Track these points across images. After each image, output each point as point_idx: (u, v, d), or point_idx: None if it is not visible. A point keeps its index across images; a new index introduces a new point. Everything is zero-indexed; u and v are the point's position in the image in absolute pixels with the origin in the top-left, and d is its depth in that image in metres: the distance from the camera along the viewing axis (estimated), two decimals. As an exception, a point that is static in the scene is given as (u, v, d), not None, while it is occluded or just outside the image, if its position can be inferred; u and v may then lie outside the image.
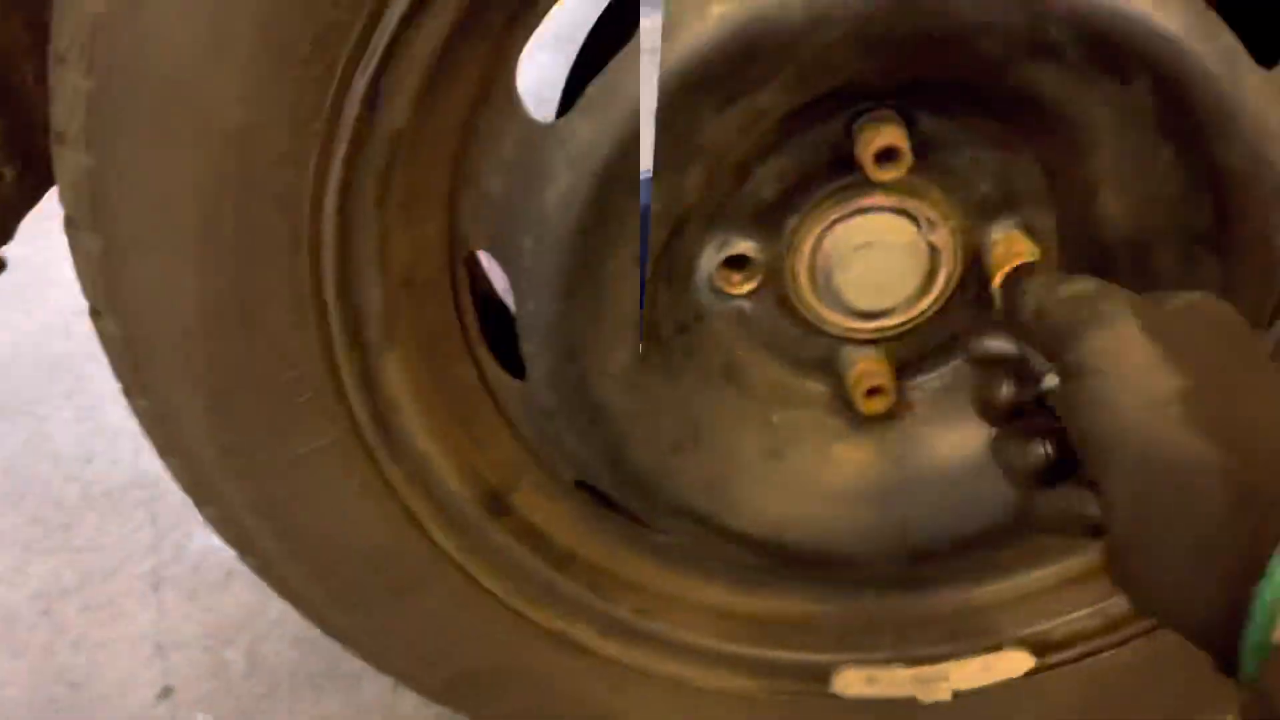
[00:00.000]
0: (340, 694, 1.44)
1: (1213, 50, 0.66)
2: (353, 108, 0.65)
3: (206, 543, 1.68)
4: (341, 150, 0.67)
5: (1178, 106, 0.68)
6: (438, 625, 0.92)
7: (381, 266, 0.76)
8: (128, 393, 0.79)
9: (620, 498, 0.91)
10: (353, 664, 1.47)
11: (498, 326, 0.89)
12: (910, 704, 0.99)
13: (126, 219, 0.69)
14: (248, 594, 1.62)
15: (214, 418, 0.77)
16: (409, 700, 1.42)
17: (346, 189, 0.69)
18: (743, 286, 0.85)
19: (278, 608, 1.58)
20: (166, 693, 1.48)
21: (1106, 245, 0.78)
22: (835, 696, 0.99)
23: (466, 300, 0.85)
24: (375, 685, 1.44)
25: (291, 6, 0.61)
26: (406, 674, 0.97)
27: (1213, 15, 0.66)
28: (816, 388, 0.91)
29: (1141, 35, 0.65)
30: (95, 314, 0.76)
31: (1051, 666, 0.98)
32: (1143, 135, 0.70)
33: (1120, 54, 0.66)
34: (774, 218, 0.82)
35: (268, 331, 0.74)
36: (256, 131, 0.65)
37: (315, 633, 1.51)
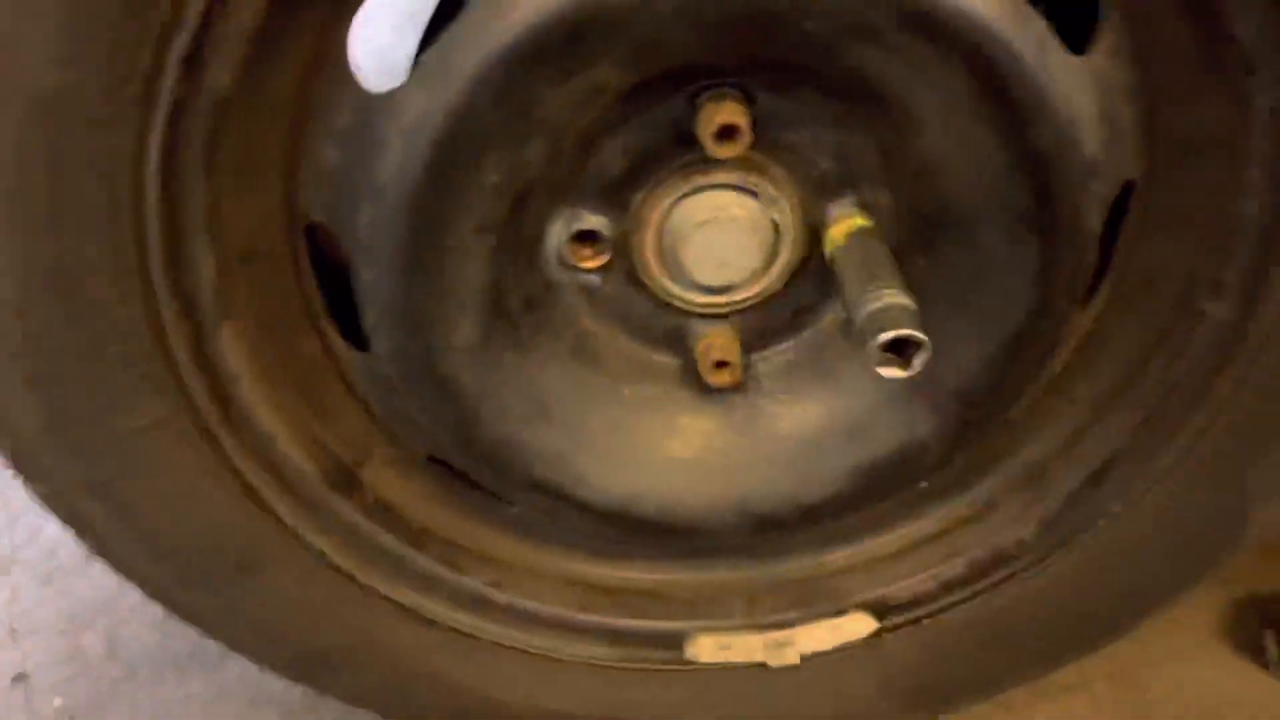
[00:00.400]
0: (203, 675, 1.41)
1: (1024, 36, 0.69)
2: (171, 71, 0.63)
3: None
4: (162, 115, 0.65)
5: (993, 90, 0.71)
6: (286, 603, 0.91)
7: (213, 237, 0.74)
8: (-57, 366, 0.76)
9: (472, 472, 0.91)
10: (217, 645, 1.46)
11: (344, 297, 0.88)
12: (761, 669, 1.02)
13: (-68, 185, 0.66)
14: (106, 578, 1.55)
15: (34, 392, 0.74)
16: (275, 680, 1.40)
17: (169, 155, 0.67)
18: (592, 261, 0.86)
19: (136, 592, 1.55)
20: (21, 678, 1.42)
21: (934, 222, 0.82)
22: (689, 663, 1.01)
23: (308, 271, 0.83)
24: (239, 665, 1.41)
25: (99, -36, 0.59)
26: (256, 652, 0.96)
27: (1023, 2, 0.68)
28: (666, 361, 0.92)
29: (955, 19, 0.67)
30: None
31: (893, 629, 1.02)
32: (963, 117, 0.73)
33: (937, 37, 0.68)
34: (621, 193, 0.83)
35: (91, 303, 0.71)
36: (69, 94, 0.63)
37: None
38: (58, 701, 1.40)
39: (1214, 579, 1.36)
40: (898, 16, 0.67)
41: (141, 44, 0.62)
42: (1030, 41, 0.69)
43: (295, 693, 1.38)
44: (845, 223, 0.83)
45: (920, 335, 0.74)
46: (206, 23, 0.63)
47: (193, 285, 0.75)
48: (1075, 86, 0.72)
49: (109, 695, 1.40)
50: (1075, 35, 0.73)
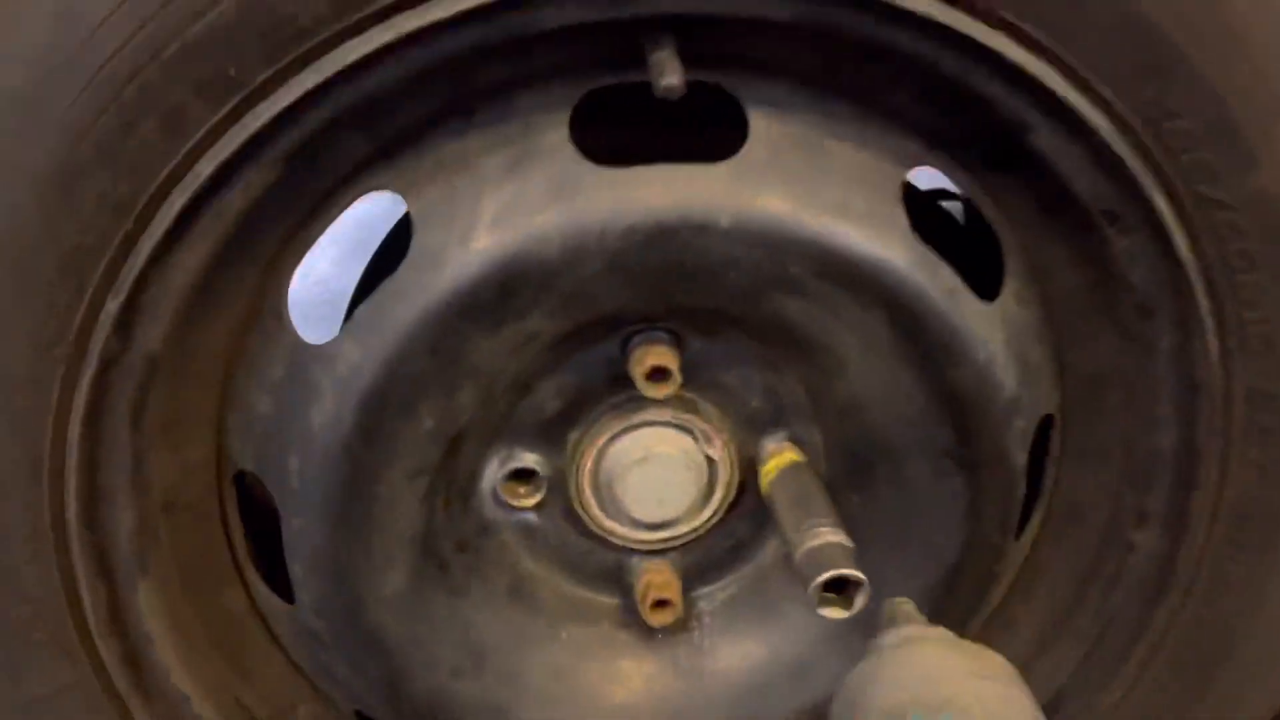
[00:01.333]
0: None
1: (935, 284, 0.73)
2: (102, 332, 0.64)
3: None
4: (89, 375, 0.65)
5: (910, 335, 0.74)
6: None
7: (136, 490, 0.73)
8: None
9: (401, 729, 0.87)
10: None
11: (271, 546, 0.85)
12: None
13: None
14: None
15: (-66, 659, 0.70)
16: None
17: (94, 413, 0.67)
18: (528, 500, 0.85)
19: None
20: None
21: (864, 458, 0.83)
22: None
23: (235, 521, 0.82)
24: None
25: (34, 231, 0.60)
26: None
27: (933, 255, 0.73)
28: (606, 601, 0.91)
29: (870, 271, 0.71)
30: None
31: None
32: (883, 359, 0.76)
33: (854, 287, 0.72)
34: (557, 432, 0.84)
35: (1, 567, 0.68)
36: (-5, 355, 0.63)
37: None
38: None
39: None
40: (816, 269, 0.71)
41: (75, 306, 0.63)
42: (941, 289, 0.73)
43: None
44: (778, 458, 0.84)
45: (858, 574, 0.73)
46: (141, 284, 0.64)
47: (110, 542, 0.73)
48: (987, 329, 0.75)
49: None
50: (985, 284, 0.77)
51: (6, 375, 0.63)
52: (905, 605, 0.71)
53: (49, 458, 0.66)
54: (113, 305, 0.64)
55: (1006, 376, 0.76)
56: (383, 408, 0.72)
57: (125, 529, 0.73)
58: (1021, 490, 0.81)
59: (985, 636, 0.93)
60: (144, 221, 0.62)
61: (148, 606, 0.76)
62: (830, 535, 0.74)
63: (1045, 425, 0.85)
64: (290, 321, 0.74)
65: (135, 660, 0.76)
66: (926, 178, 0.85)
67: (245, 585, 0.84)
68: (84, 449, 0.67)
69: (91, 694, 0.75)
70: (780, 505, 0.80)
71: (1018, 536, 0.87)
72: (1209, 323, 0.72)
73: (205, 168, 0.61)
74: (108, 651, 0.74)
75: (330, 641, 0.80)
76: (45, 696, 0.73)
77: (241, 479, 0.82)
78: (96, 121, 0.58)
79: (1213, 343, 0.73)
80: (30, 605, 0.70)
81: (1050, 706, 0.91)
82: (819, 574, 0.73)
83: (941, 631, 0.68)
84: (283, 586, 0.83)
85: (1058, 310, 0.81)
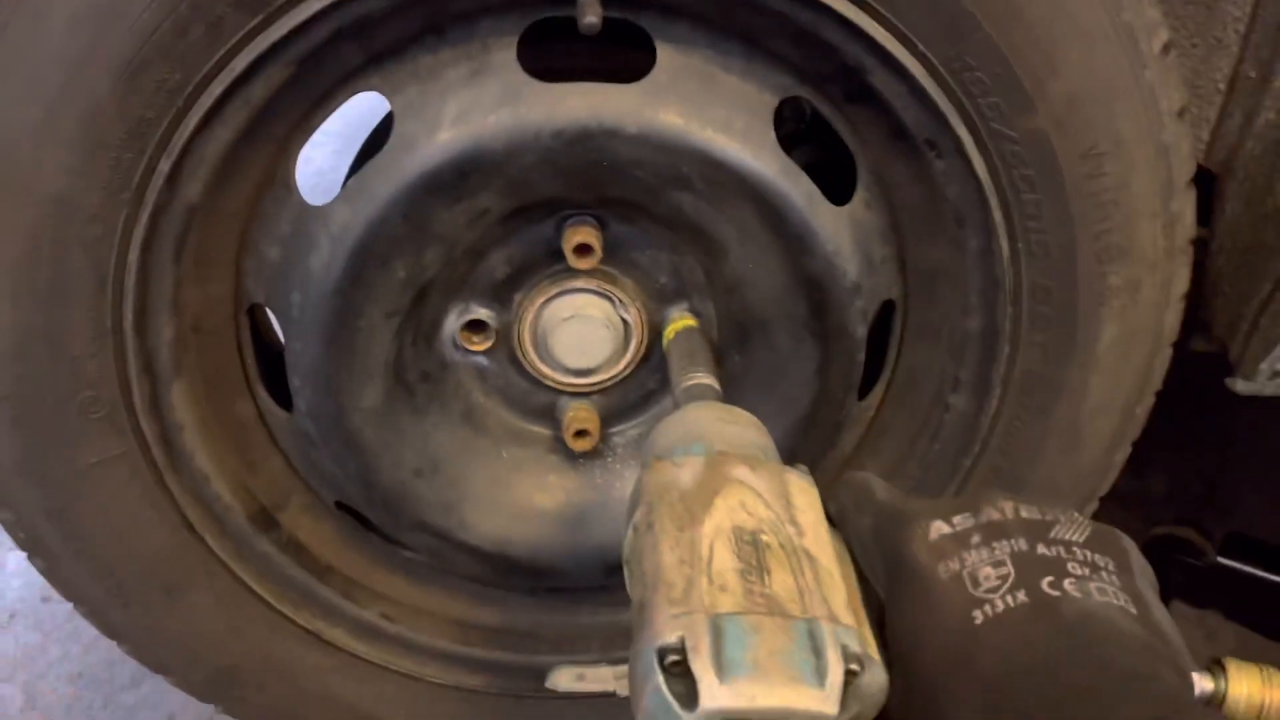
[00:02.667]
0: (114, 727, 1.54)
1: (796, 190, 0.93)
2: (156, 184, 0.85)
3: (-13, 586, 1.75)
4: (145, 215, 0.86)
5: (775, 228, 0.95)
6: (205, 622, 1.07)
7: (174, 311, 0.94)
8: (-62, 407, 0.93)
9: (371, 516, 1.10)
10: (129, 697, 1.58)
11: (273, 370, 1.08)
12: (612, 698, 1.19)
13: (-44, 259, 0.85)
14: (28, 635, 1.69)
15: (16, 429, 0.92)
16: (180, 733, 1.53)
17: (148, 245, 0.88)
18: (480, 345, 1.07)
19: (57, 649, 1.68)
20: (-57, 722, 1.53)
21: (745, 326, 1.05)
22: (550, 691, 1.19)
23: (248, 345, 1.04)
24: (150, 716, 1.55)
25: (110, 107, 0.80)
26: (174, 669, 1.10)
27: (795, 166, 0.93)
28: (538, 430, 1.13)
29: (745, 176, 0.92)
30: (-84, 337, 0.90)
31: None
32: (757, 247, 0.97)
33: (733, 188, 0.93)
34: (505, 292, 1.05)
35: (71, 357, 0.90)
36: (75, 195, 0.83)
37: (94, 670, 1.62)
38: (-23, 749, 1.51)
39: None
40: (703, 171, 0.92)
41: (137, 163, 0.83)
42: (801, 193, 0.94)
43: (196, 745, 1.51)
44: (678, 322, 1.05)
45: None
46: (186, 150, 0.84)
47: (154, 348, 0.94)
48: (837, 228, 0.96)
49: (28, 743, 1.52)
50: (838, 192, 0.98)
51: (85, 211, 0.84)
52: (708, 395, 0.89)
53: (112, 276, 0.88)
54: (165, 164, 0.84)
55: (850, 266, 0.98)
56: (366, 258, 0.93)
57: (165, 339, 0.95)
58: (861, 357, 1.03)
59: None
60: (191, 102, 0.82)
61: (179, 401, 0.98)
62: (702, 379, 0.94)
63: (888, 309, 1.07)
64: (297, 189, 0.95)
65: (169, 441, 0.98)
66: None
67: (253, 398, 1.07)
68: (140, 271, 0.88)
69: (135, 464, 0.97)
70: (673, 356, 1.01)
71: (861, 397, 1.09)
72: (1002, 230, 0.93)
73: (238, 64, 0.81)
74: (149, 431, 0.96)
75: (319, 441, 1.03)
76: (100, 463, 0.96)
77: (251, 313, 1.04)
78: (159, 26, 0.78)
79: (1005, 246, 0.94)
80: (92, 390, 0.92)
81: (882, 532, 1.15)
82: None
83: (716, 401, 0.86)
84: (282, 399, 1.06)
85: (904, 218, 1.02)
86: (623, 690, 1.21)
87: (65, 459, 0.95)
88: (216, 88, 0.82)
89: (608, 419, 1.13)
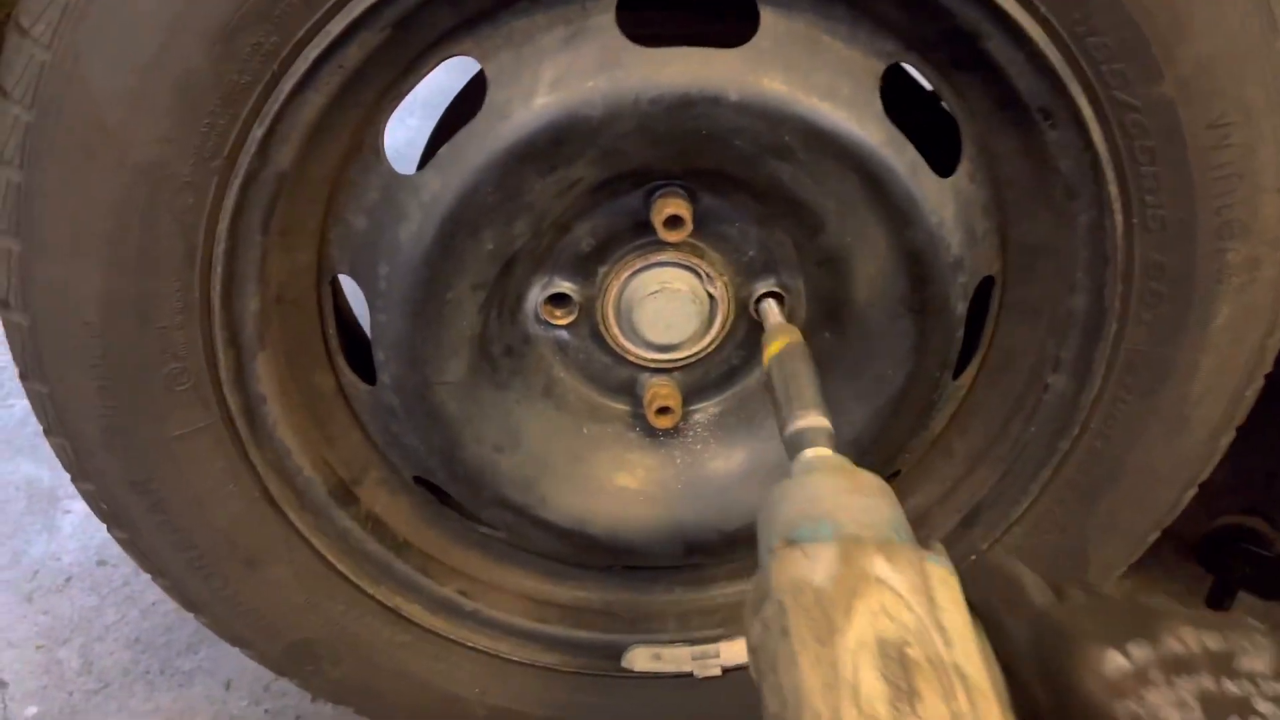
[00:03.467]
0: (172, 691, 1.54)
1: (901, 160, 0.90)
2: (249, 151, 0.82)
3: (46, 550, 1.76)
4: (236, 183, 0.84)
5: (878, 199, 0.92)
6: (284, 596, 1.06)
7: (260, 282, 0.92)
8: (25, 376, 0.92)
9: (451, 491, 1.09)
10: (186, 662, 1.58)
11: (352, 343, 1.06)
12: (688, 678, 1.18)
13: (45, 226, 0.84)
14: (85, 598, 1.70)
15: (102, 400, 0.91)
16: (240, 697, 1.52)
17: (237, 215, 0.86)
18: (563, 320, 1.05)
19: (114, 612, 1.68)
20: (0, 685, 1.54)
21: (837, 302, 1.02)
22: (626, 671, 1.17)
23: (330, 316, 1.02)
24: (207, 683, 1.55)
25: (205, 71, 0.78)
26: (251, 642, 1.10)
27: (900, 135, 0.90)
28: (620, 406, 1.11)
29: (849, 145, 0.88)
30: (4, 305, 0.89)
31: (801, 647, 1.19)
32: (856, 219, 0.94)
33: (835, 158, 0.89)
34: (589, 266, 1.03)
35: (158, 328, 0.89)
36: (166, 164, 0.81)
37: (151, 635, 1.62)
38: (32, 710, 1.52)
39: None
40: (805, 140, 0.88)
41: (230, 129, 0.81)
42: (905, 163, 0.90)
43: (258, 711, 1.51)
44: (779, 341, 0.93)
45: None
46: (280, 116, 0.82)
47: (239, 320, 0.93)
48: (941, 200, 0.93)
49: (81, 706, 1.52)
50: (943, 163, 0.94)
51: (177, 179, 0.82)
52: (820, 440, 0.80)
53: (202, 246, 0.86)
54: (258, 131, 0.82)
55: (953, 240, 0.94)
56: (456, 229, 0.90)
57: (250, 311, 0.93)
58: (959, 334, 1.00)
59: (928, 461, 1.14)
60: (285, 66, 0.80)
61: (264, 373, 0.96)
62: (814, 419, 0.82)
63: (987, 285, 1.04)
64: (386, 156, 0.93)
65: (252, 413, 0.97)
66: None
67: (334, 370, 1.05)
68: (229, 241, 0.86)
69: (218, 437, 0.96)
70: (775, 382, 0.89)
71: (955, 376, 1.06)
72: (1117, 205, 0.89)
73: (335, 27, 0.79)
74: (233, 403, 0.94)
75: (402, 415, 1.01)
76: (184, 435, 0.95)
77: (335, 283, 1.02)
78: (256, -12, 0.76)
79: (1119, 221, 0.90)
80: (179, 361, 0.91)
81: (971, 515, 1.12)
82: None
83: (836, 460, 0.77)
84: (364, 372, 1.05)
85: (1006, 190, 0.98)
86: (699, 671, 1.20)
87: (150, 431, 0.94)
88: (312, 51, 0.79)
89: (689, 395, 1.11)
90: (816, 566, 0.60)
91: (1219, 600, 1.57)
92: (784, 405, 0.86)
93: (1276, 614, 1.61)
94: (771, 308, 1.02)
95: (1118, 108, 0.85)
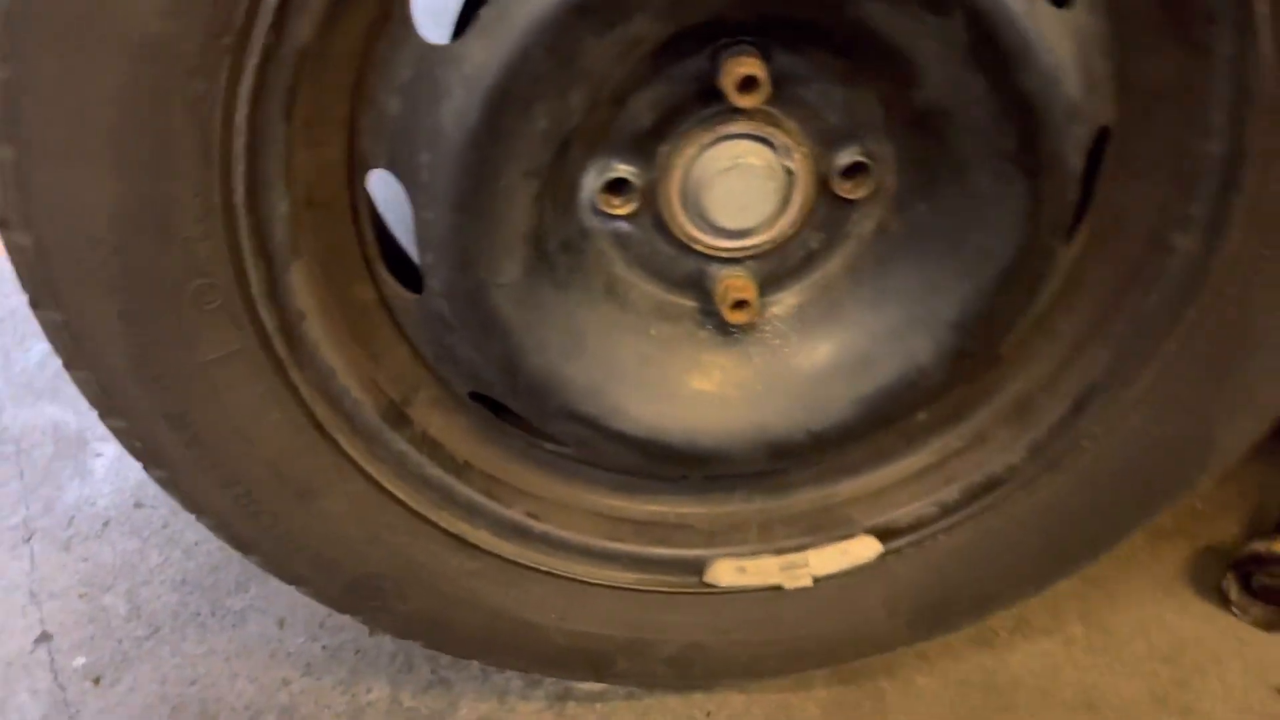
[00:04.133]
0: (225, 632, 1.48)
1: (1014, -10, 0.78)
2: (263, 23, 0.71)
3: (80, 495, 1.69)
4: (252, 63, 0.73)
5: (987, 39, 0.79)
6: (341, 529, 0.98)
7: (288, 182, 0.82)
8: (36, 304, 0.83)
9: (513, 405, 0.99)
10: (236, 601, 1.52)
11: (391, 250, 0.96)
12: (777, 590, 1.10)
13: (41, 128, 0.73)
14: (125, 542, 1.64)
15: (126, 326, 0.82)
16: (296, 634, 1.47)
17: (256, 102, 0.75)
18: (622, 208, 0.94)
19: (157, 554, 1.62)
20: (43, 639, 1.48)
21: (934, 165, 0.90)
22: (709, 586, 1.09)
23: (366, 219, 0.91)
24: (260, 622, 1.49)
25: (208, -74, 0.66)
26: (309, 580, 1.02)
27: (1012, -40, 0.78)
28: (688, 303, 1.01)
29: (955, -24, 0.76)
30: (3, 225, 0.79)
31: (897, 551, 1.11)
32: (960, 67, 0.82)
33: (938, -8, 0.77)
34: (649, 144, 0.91)
35: (179, 240, 0.79)
36: (172, 42, 0.70)
37: (197, 575, 1.56)
38: (80, 660, 1.46)
39: (1178, 532, 1.48)
40: (903, -26, 0.76)
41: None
42: (1019, -4, 0.78)
43: (315, 647, 1.45)
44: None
45: None
46: (304, -20, 0.71)
47: (268, 226, 0.82)
48: (1058, 36, 0.80)
49: (132, 653, 1.46)
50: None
51: (183, 61, 0.71)
52: None
53: (220, 140, 0.75)
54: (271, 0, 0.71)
55: (1071, 84, 0.82)
56: (505, 104, 0.79)
57: (280, 215, 0.82)
58: (1076, 195, 0.88)
59: (1030, 341, 1.04)
60: (299, -84, 0.68)
61: (300, 285, 0.86)
62: None
63: (1101, 137, 0.92)
64: (416, 25, 0.81)
65: (290, 332, 0.87)
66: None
67: (374, 279, 0.95)
68: (249, 135, 0.76)
69: (256, 359, 0.86)
70: None
71: (1067, 243, 0.95)
72: (1266, 28, 0.77)
73: None
74: (270, 320, 0.85)
75: (456, 324, 0.91)
76: (218, 359, 0.86)
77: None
78: None
79: (1270, 49, 0.78)
80: (205, 278, 0.81)
81: (1081, 399, 1.03)
82: None
83: None
84: (408, 279, 0.94)
85: (1130, 21, 0.85)
86: (789, 583, 1.12)
87: (181, 356, 0.85)
88: (329, -100, 0.67)
89: (765, 286, 1.00)
90: None
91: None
92: None
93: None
94: None
95: (1276, -95, 0.72)
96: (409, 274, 0.94)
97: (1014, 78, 0.81)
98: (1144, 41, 0.86)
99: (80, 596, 1.55)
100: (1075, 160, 0.86)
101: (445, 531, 1.01)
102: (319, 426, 0.92)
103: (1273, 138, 0.82)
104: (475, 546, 1.03)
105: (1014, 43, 0.79)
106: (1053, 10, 0.80)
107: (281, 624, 1.49)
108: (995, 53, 0.80)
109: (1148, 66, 0.87)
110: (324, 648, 1.45)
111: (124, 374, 0.85)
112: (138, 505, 1.69)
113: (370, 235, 0.92)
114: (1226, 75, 0.82)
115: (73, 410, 1.82)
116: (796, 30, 0.84)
